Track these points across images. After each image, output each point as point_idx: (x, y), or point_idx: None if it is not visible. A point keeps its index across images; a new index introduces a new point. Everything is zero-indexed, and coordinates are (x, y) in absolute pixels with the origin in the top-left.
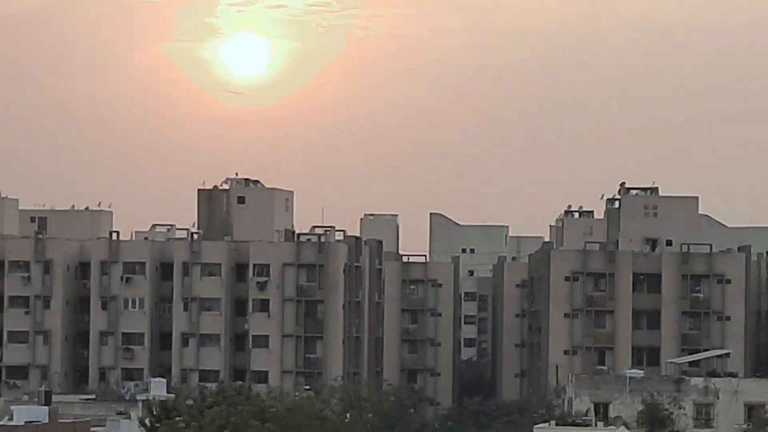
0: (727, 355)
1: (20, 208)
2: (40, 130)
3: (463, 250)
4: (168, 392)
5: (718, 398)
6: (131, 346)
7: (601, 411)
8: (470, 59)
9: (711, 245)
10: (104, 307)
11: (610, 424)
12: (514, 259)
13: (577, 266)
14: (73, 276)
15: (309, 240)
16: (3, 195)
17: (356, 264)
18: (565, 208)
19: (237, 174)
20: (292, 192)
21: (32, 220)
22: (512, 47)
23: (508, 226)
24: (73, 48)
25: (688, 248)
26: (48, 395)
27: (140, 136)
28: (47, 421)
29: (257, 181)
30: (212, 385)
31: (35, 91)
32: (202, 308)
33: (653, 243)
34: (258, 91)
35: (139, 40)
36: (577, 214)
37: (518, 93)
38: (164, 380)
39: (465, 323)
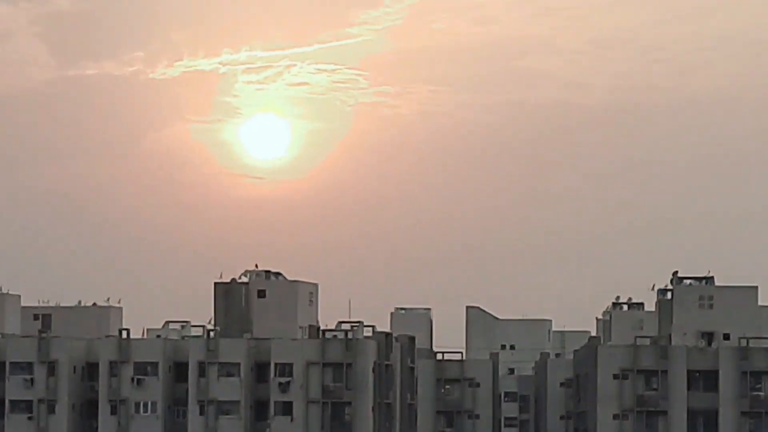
0: None
1: (23, 304)
2: (43, 219)
3: (503, 347)
4: None
5: None
6: None
7: None
8: (509, 137)
9: None
10: (114, 411)
11: None
12: (558, 355)
13: (627, 363)
14: (80, 377)
15: (335, 336)
16: (4, 291)
17: (386, 362)
18: (613, 300)
19: (257, 266)
20: (316, 285)
21: (35, 317)
22: (554, 124)
23: (551, 320)
24: (80, 130)
25: (747, 342)
26: None
27: (152, 224)
28: None
29: (279, 274)
30: None
31: (37, 177)
32: (220, 412)
33: (709, 337)
34: (279, 175)
35: (152, 121)
36: (625, 307)
37: (559, 176)
38: None
39: (505, 426)
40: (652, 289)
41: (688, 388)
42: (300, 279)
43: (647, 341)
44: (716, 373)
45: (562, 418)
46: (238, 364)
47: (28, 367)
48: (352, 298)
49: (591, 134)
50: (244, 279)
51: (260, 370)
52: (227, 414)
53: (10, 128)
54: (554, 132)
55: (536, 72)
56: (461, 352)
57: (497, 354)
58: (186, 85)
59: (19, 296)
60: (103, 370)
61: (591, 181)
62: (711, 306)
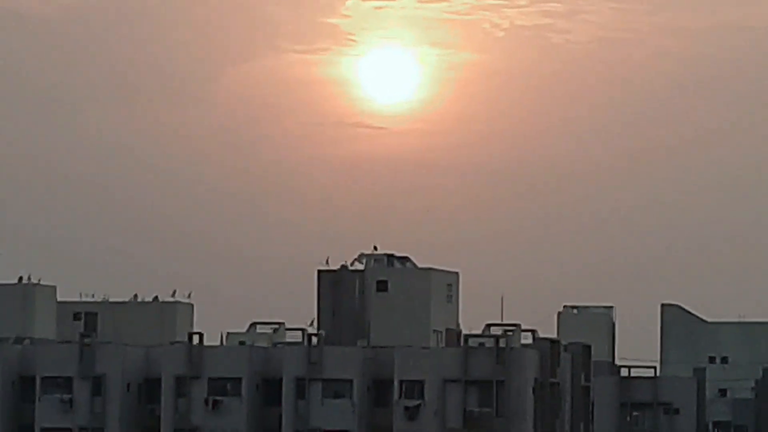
0: None
1: (59, 299)
2: (85, 184)
3: (712, 359)
4: None
5: None
6: None
7: None
8: (728, 76)
9: None
10: None
11: None
12: None
13: None
14: (136, 398)
15: (482, 345)
16: (33, 280)
17: (552, 379)
18: None
19: (376, 248)
20: (457, 274)
21: (76, 316)
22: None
23: None
24: (135, 62)
25: None
26: None
27: (233, 191)
28: None
29: (406, 258)
30: None
31: (77, 127)
32: None
33: None
34: (407, 125)
35: (233, 51)
36: None
37: None
38: None
39: None
40: None
41: None
42: (435, 266)
43: None
44: None
45: None
46: (350, 382)
47: (65, 383)
48: (506, 293)
49: None
50: (359, 266)
51: (380, 390)
52: None
53: (40, 59)
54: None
55: None
56: (654, 367)
57: (704, 369)
58: (279, 3)
59: (55, 288)
60: (167, 388)
61: None
62: None
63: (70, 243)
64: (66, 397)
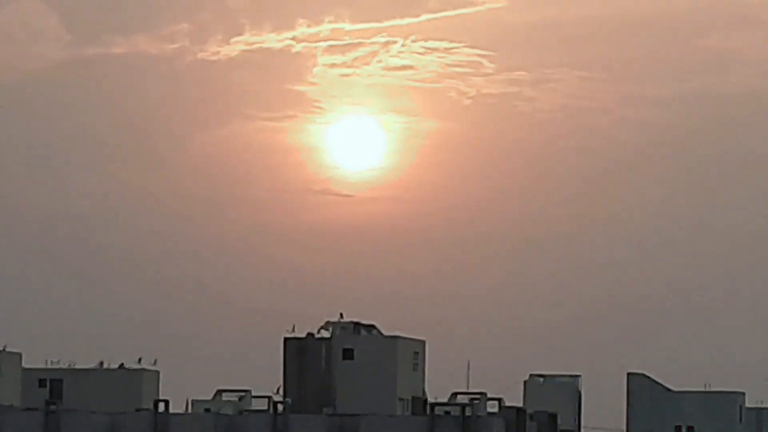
0: None
1: (24, 365)
2: (49, 250)
3: (678, 429)
4: None
5: None
6: None
7: None
8: (691, 142)
9: None
10: None
11: None
12: None
13: None
14: None
15: (448, 413)
16: (0, 347)
17: None
18: None
19: (342, 315)
20: (423, 342)
21: (41, 383)
22: (754, 122)
23: (743, 393)
24: (101, 129)
25: None
26: None
27: (199, 258)
28: None
29: (372, 326)
30: None
31: (39, 193)
32: None
33: None
34: (373, 193)
35: (201, 118)
36: None
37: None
38: None
39: None
40: None
41: None
42: (401, 334)
43: None
44: None
45: None
46: None
47: None
48: (472, 361)
49: None
50: (325, 333)
51: None
52: None
53: (7, 124)
54: (754, 133)
55: (727, 53)
56: None
57: None
58: (247, 69)
59: (20, 355)
60: None
61: None
62: None
63: (36, 309)
64: None
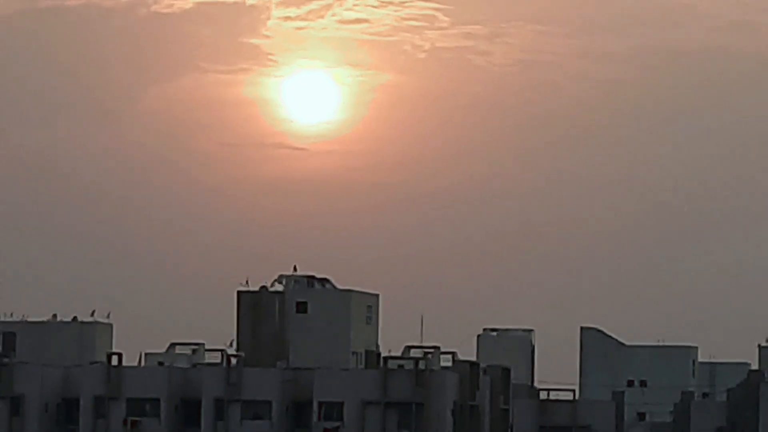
0: None
1: None
2: (4, 203)
3: (630, 383)
4: None
5: None
6: None
7: None
8: (644, 97)
9: None
10: None
11: None
12: (706, 395)
13: None
14: (54, 419)
15: (402, 367)
16: None
17: (471, 402)
18: None
19: (295, 268)
20: (377, 295)
21: None
22: (709, 78)
23: (696, 347)
24: (55, 82)
25: None
26: None
27: (152, 211)
28: None
29: (326, 280)
30: None
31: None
32: None
33: None
34: (326, 146)
35: (155, 71)
36: None
37: (715, 156)
38: None
39: None
40: None
41: None
42: (355, 288)
43: None
44: None
45: None
46: (269, 403)
47: None
48: (425, 314)
49: (761, 92)
50: (279, 287)
51: (299, 411)
52: None
53: None
54: (709, 90)
55: (683, 8)
56: (573, 390)
57: (622, 393)
58: (201, 22)
59: None
60: (85, 409)
61: (756, 167)
62: None
63: None
64: None
